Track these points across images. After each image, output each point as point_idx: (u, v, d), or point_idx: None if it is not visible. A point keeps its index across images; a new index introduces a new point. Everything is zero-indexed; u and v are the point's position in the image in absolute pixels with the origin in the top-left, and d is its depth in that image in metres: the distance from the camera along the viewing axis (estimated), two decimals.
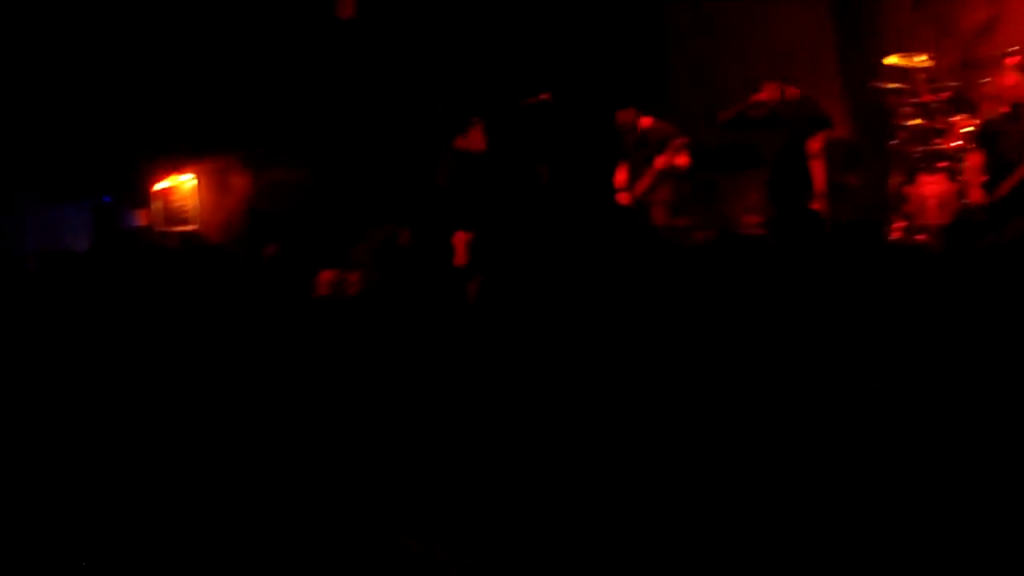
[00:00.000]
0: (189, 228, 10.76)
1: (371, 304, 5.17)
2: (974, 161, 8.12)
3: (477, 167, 9.27)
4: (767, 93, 8.75)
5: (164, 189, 10.94)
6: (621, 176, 9.22)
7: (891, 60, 9.76)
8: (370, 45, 10.59)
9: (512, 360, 3.27)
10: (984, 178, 8.05)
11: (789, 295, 4.12)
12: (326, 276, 6.46)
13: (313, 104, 10.54)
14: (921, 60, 9.61)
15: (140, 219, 10.79)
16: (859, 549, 1.21)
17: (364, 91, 10.67)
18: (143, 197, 10.86)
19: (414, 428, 2.67)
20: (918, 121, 9.52)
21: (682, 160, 8.86)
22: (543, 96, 9.28)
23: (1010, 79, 8.00)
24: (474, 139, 9.37)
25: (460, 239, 8.19)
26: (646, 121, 9.02)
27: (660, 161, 8.80)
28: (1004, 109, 7.95)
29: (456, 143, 9.29)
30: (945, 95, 9.51)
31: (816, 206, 9.24)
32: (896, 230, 9.34)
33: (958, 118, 9.20)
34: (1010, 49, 9.00)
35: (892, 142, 9.72)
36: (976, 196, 8.02)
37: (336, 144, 10.70)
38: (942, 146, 9.28)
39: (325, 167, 10.84)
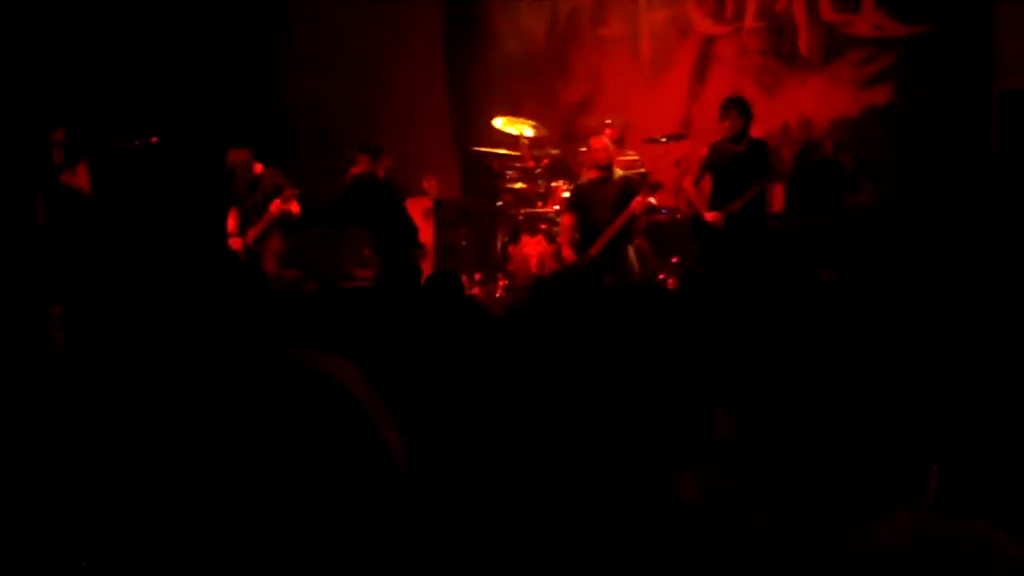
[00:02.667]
0: None
1: None
2: (567, 223, 8.58)
3: (82, 206, 8.90)
4: (361, 165, 9.07)
5: None
6: (232, 221, 9.07)
7: (498, 122, 10.23)
8: None
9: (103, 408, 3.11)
10: (576, 238, 8.51)
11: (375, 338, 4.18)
12: None
13: None
14: (526, 128, 10.13)
15: None
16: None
17: None
18: None
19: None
20: (522, 185, 10.01)
21: (295, 208, 8.86)
22: (151, 139, 9.03)
23: (599, 143, 8.54)
24: (80, 177, 9.00)
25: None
26: (258, 167, 8.95)
27: (274, 206, 8.74)
28: (593, 175, 8.45)
29: (62, 179, 8.90)
30: (546, 161, 10.07)
31: (423, 263, 9.53)
32: (500, 288, 9.76)
33: (557, 183, 9.74)
34: (606, 121, 9.72)
35: (498, 204, 10.14)
36: (568, 256, 8.46)
37: None
38: (543, 209, 9.79)
39: None
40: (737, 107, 7.98)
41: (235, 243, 8.99)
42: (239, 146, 8.96)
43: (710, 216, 7.89)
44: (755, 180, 7.81)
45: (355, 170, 9.10)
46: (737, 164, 7.88)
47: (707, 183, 8.15)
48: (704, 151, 8.16)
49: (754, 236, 7.88)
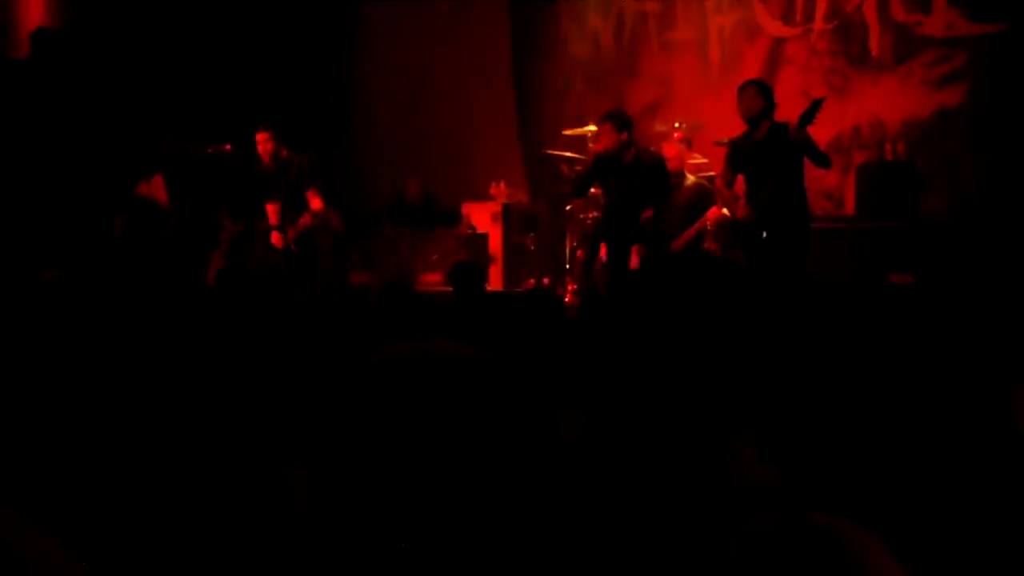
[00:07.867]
0: None
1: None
2: None
3: (158, 217, 9.03)
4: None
5: None
6: (272, 214, 8.90)
7: (569, 132, 10.24)
8: (46, 86, 10.13)
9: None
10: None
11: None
12: None
13: None
14: (592, 131, 10.11)
15: None
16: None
17: (39, 134, 10.17)
18: None
19: None
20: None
21: (335, 223, 8.64)
22: (225, 147, 9.10)
23: (672, 151, 8.56)
24: (156, 189, 9.13)
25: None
26: (283, 151, 8.80)
27: (303, 220, 8.56)
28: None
29: (137, 190, 9.05)
30: None
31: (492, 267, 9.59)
32: (569, 292, 9.75)
33: None
34: (675, 124, 9.72)
35: (567, 208, 10.14)
36: (633, 263, 8.45)
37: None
38: None
39: None
40: (755, 87, 7.29)
41: (277, 239, 8.79)
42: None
43: (740, 212, 7.31)
44: (777, 169, 7.10)
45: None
46: (757, 155, 7.18)
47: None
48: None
49: (792, 234, 7.17)
